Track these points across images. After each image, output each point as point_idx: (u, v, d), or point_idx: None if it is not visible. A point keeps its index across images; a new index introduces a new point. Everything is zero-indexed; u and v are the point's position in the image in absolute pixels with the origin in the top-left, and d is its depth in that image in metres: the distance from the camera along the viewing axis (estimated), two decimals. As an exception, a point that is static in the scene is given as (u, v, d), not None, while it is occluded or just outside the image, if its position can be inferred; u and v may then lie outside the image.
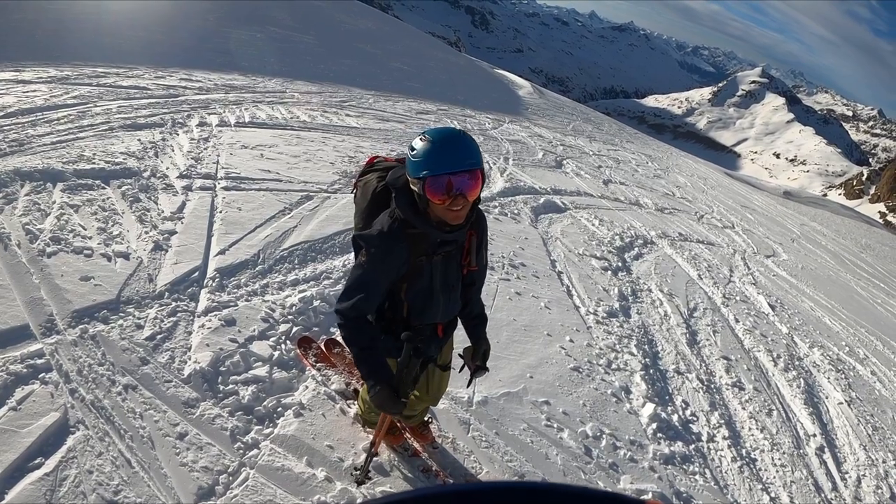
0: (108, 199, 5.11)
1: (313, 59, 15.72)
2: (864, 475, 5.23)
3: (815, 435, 5.52)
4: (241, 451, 3.09)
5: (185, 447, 3.00)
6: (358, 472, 3.07)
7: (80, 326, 3.55)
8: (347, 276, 2.59)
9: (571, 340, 5.45)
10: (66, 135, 6.10)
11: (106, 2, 13.88)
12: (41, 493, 2.57)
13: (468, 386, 3.04)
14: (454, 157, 2.26)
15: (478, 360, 2.84)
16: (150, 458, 2.89)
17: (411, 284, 2.55)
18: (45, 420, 2.88)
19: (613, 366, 5.30)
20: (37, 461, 2.69)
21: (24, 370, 3.11)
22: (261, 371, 3.67)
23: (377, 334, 2.63)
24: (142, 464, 2.85)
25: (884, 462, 5.57)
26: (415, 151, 2.28)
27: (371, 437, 3.18)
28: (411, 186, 2.36)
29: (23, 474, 2.63)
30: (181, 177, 5.95)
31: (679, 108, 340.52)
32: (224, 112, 8.59)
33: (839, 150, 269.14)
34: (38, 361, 3.20)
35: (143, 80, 9.13)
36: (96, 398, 3.10)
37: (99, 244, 4.40)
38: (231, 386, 3.48)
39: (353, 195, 2.83)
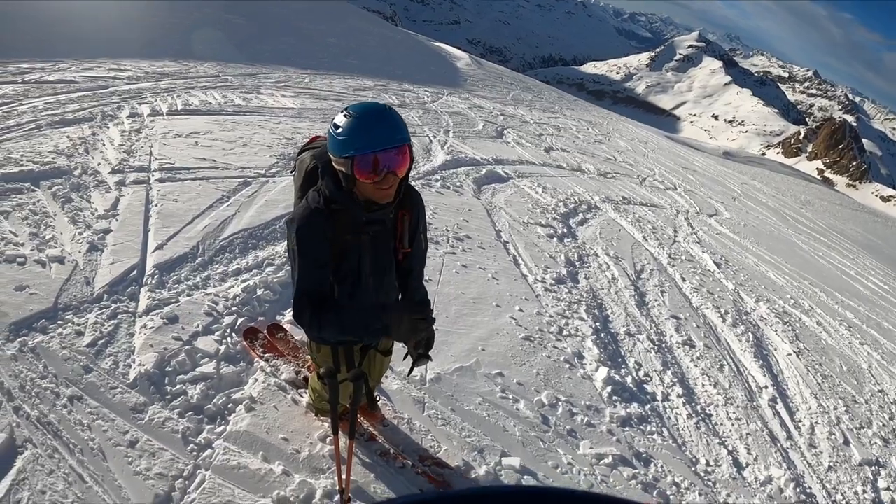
0: (38, 201, 4.87)
1: (246, 41, 15.35)
2: (816, 423, 5.44)
3: (766, 387, 5.71)
4: (195, 453, 3.01)
5: (138, 455, 2.90)
6: None
7: (19, 339, 3.37)
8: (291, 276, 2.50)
9: (521, 310, 5.48)
10: (-10, 138, 5.79)
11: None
12: (-4, 521, 2.46)
13: (409, 374, 3.01)
14: (382, 133, 2.20)
15: (420, 348, 2.72)
16: (102, 470, 2.78)
17: (339, 265, 2.48)
18: (-8, 443, 2.75)
19: (564, 332, 5.36)
20: (-12, 488, 2.57)
21: (-36, 392, 2.96)
22: (208, 368, 3.57)
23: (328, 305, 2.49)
24: (94, 477, 2.74)
25: (835, 409, 5.81)
26: (339, 129, 2.20)
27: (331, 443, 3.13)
28: (336, 166, 2.29)
29: (-27, 503, 2.51)
30: (113, 172, 5.73)
31: (618, 73, 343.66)
32: (156, 101, 8.31)
33: (776, 111, 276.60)
34: (-22, 381, 3.04)
35: (70, 74, 8.75)
36: (42, 414, 2.96)
37: (32, 250, 4.18)
38: (179, 386, 3.37)
39: (292, 175, 2.76)
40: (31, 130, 6.22)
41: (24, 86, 7.70)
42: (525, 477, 3.55)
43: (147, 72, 9.99)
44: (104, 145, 6.32)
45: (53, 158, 5.64)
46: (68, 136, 6.27)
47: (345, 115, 2.22)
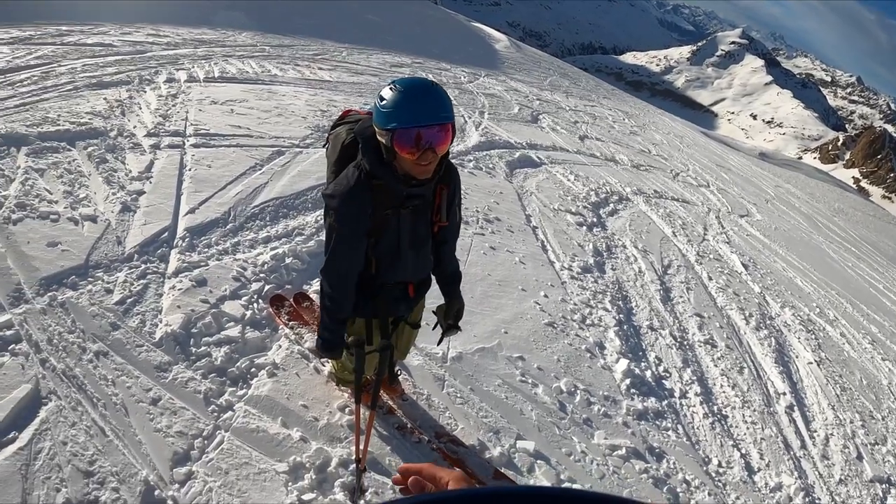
0: (73, 161, 4.96)
1: (285, 13, 15.37)
2: (831, 434, 5.34)
3: (784, 393, 5.63)
4: (216, 414, 3.07)
5: (159, 412, 2.97)
6: (354, 493, 2.94)
7: (49, 294, 3.46)
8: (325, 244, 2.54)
9: (546, 296, 5.47)
10: (29, 97, 5.89)
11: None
12: (17, 468, 2.52)
13: (438, 344, 3.03)
14: (425, 109, 2.19)
15: (450, 318, 2.81)
16: (124, 425, 2.85)
17: (378, 239, 2.51)
18: (16, 393, 2.81)
19: (588, 321, 5.34)
20: (10, 435, 2.63)
21: (-6, 343, 3.03)
22: (233, 331, 3.63)
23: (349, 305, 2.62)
24: (116, 432, 2.80)
25: (851, 422, 5.69)
26: (384, 101, 2.20)
27: (350, 413, 3.15)
28: (378, 138, 2.29)
29: (-3, 450, 2.57)
30: (149, 135, 5.80)
31: (657, 65, 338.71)
32: (193, 67, 8.39)
33: (816, 115, 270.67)
34: (7, 333, 3.11)
35: (109, 37, 8.87)
36: (67, 367, 3.03)
37: (65, 208, 4.27)
38: (203, 348, 3.44)
39: (325, 149, 2.78)
40: (68, 91, 6.32)
41: (63, 47, 7.82)
42: (538, 461, 3.56)
43: (185, 38, 10.08)
44: (140, 109, 6.39)
45: (90, 119, 5.73)
46: (105, 99, 6.36)
47: (391, 89, 2.21)
